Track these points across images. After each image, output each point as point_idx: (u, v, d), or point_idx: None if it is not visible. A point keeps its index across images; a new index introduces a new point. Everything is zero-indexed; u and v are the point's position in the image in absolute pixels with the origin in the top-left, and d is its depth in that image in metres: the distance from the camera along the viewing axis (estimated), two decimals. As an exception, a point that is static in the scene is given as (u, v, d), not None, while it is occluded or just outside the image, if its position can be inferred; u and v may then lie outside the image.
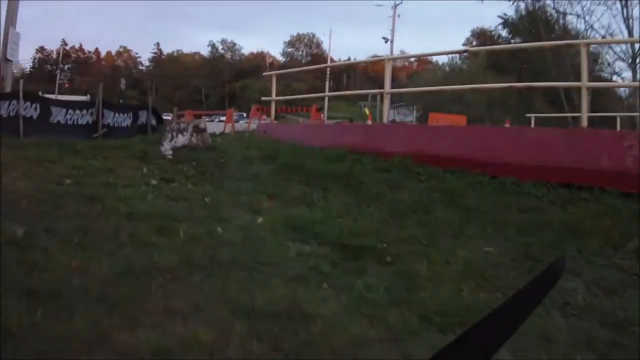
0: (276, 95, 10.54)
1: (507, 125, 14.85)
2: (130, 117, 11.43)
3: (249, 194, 5.07)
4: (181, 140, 7.15)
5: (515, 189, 5.04)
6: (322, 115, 22.12)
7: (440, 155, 6.02)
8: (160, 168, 6.03)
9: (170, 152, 6.85)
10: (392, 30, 44.74)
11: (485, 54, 29.34)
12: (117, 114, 11.05)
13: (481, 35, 74.88)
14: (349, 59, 74.89)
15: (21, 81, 12.49)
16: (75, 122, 10.10)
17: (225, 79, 74.29)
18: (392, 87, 8.47)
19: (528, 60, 29.54)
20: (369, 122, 20.51)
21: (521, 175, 5.21)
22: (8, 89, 10.78)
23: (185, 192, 4.99)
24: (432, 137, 6.85)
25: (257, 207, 4.59)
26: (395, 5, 44.63)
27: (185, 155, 6.71)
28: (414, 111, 39.29)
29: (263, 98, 14.07)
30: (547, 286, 0.76)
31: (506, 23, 33.54)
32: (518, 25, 31.78)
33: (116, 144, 7.89)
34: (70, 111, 10.03)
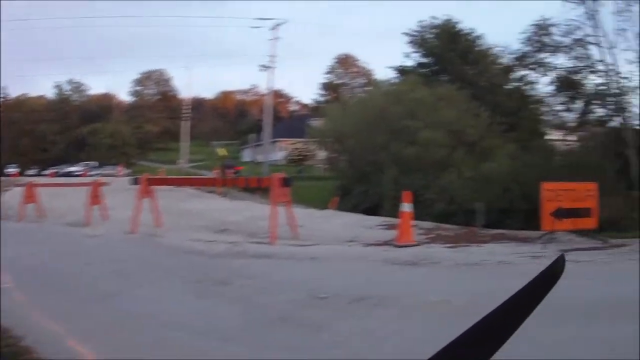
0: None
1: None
2: None
3: None
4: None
5: None
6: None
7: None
8: None
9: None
10: (271, 55, 36.01)
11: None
12: None
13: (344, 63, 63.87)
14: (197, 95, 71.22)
15: None
16: None
17: (73, 123, 66.37)
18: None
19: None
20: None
21: None
22: None
23: None
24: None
25: None
26: (277, 26, 35.55)
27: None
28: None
29: None
30: (548, 285, 0.78)
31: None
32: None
33: None
34: None
